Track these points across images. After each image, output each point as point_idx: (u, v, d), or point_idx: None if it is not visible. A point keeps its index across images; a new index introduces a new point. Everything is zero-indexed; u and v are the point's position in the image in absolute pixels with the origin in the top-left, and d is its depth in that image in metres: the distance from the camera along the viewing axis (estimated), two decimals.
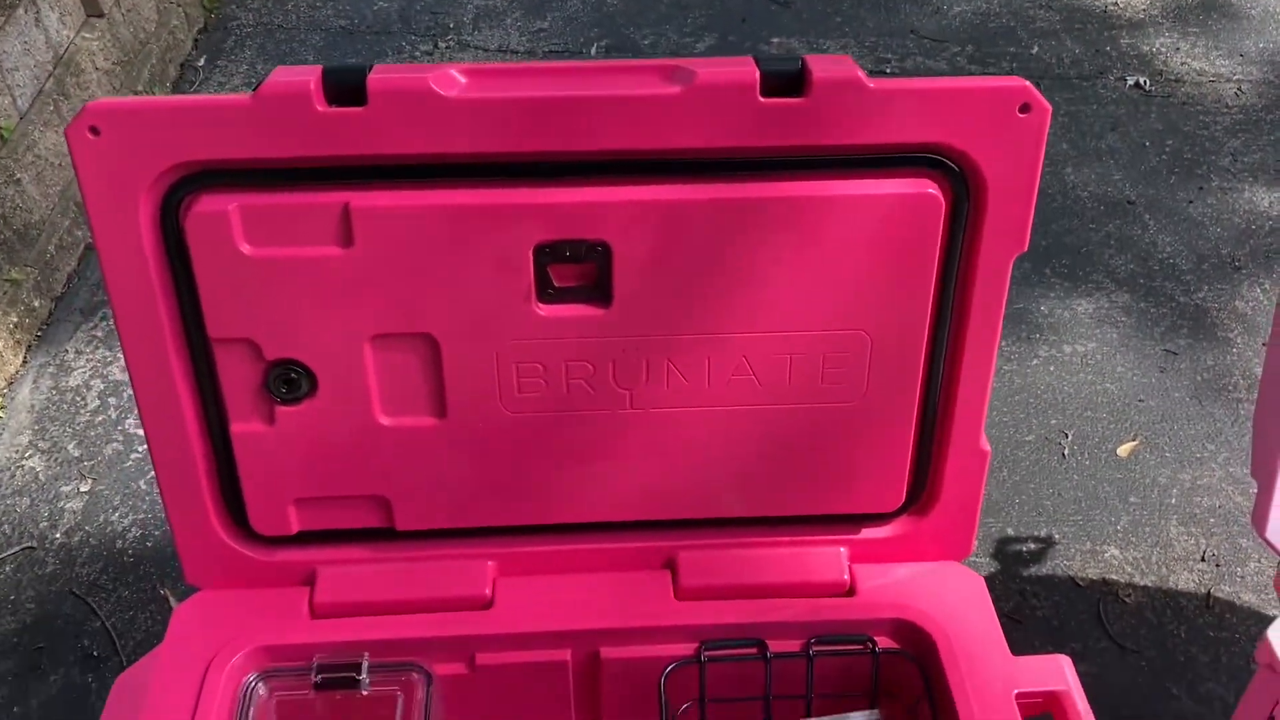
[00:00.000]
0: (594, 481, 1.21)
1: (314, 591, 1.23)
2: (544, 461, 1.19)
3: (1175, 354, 2.33)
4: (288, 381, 1.13)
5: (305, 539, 1.24)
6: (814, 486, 1.23)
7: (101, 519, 2.03)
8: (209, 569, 1.24)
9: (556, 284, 1.09)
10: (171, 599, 1.89)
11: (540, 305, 1.10)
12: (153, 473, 2.04)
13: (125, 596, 1.90)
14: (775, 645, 1.21)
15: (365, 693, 1.17)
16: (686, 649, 1.21)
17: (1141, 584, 1.90)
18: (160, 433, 1.15)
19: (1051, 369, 2.31)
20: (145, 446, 2.12)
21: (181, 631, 1.21)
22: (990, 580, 1.75)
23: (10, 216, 2.37)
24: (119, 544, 1.98)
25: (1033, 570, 1.92)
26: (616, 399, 1.16)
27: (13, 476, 2.11)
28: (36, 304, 2.43)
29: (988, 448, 1.21)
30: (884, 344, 1.14)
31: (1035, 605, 1.87)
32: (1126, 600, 1.88)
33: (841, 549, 1.27)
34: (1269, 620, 1.77)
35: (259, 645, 1.18)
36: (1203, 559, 1.93)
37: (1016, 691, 1.15)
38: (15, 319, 2.33)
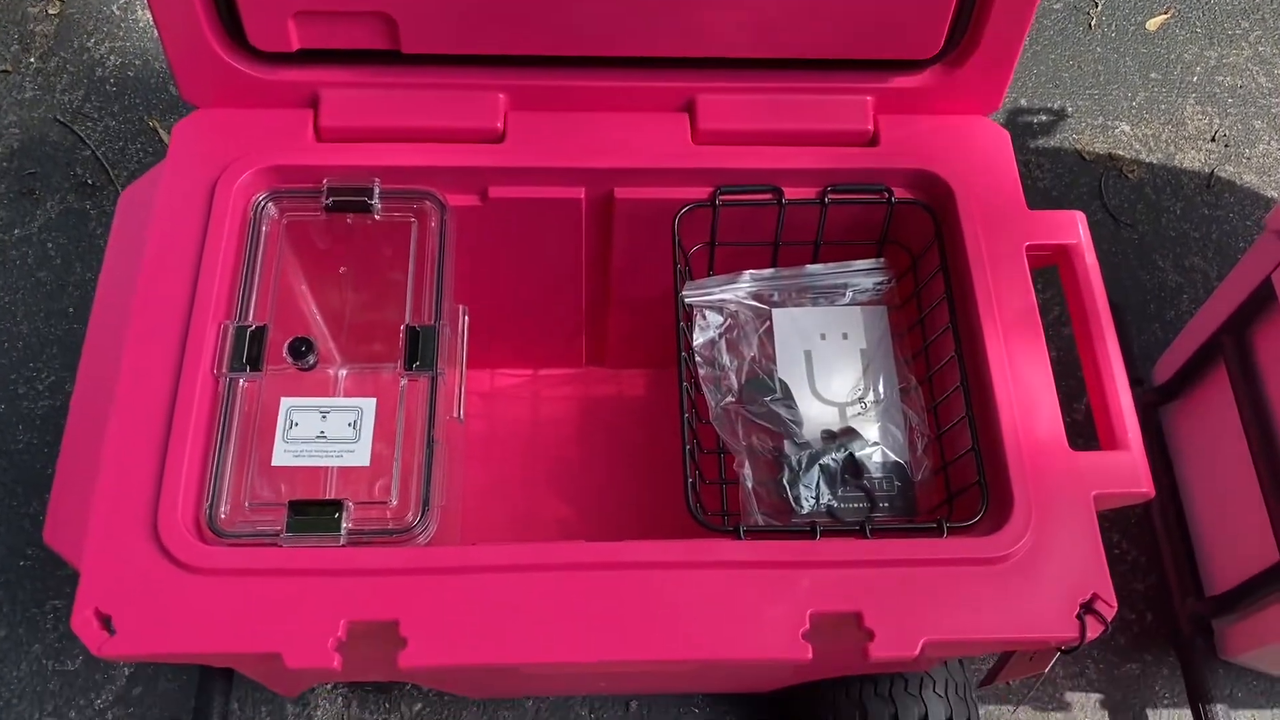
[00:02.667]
0: (614, 6, 1.13)
1: (318, 114, 1.18)
2: None
3: None
4: None
5: (306, 58, 1.17)
6: (843, 22, 1.15)
7: (76, 44, 1.92)
8: (205, 86, 1.18)
9: None
10: (161, 131, 1.84)
11: None
12: None
13: (112, 127, 1.84)
14: (791, 192, 1.20)
15: (378, 218, 1.16)
16: (701, 192, 1.20)
17: (1147, 160, 1.89)
18: None
19: None
20: None
21: (184, 148, 1.17)
22: None
23: None
24: (98, 71, 1.89)
25: (1040, 141, 1.89)
26: None
27: None
28: None
29: None
30: None
31: (1038, 176, 1.86)
32: (1129, 176, 1.87)
33: (868, 98, 1.22)
34: (1267, 201, 1.78)
35: (266, 165, 1.15)
36: (1213, 139, 1.91)
37: (1028, 244, 1.16)
38: None
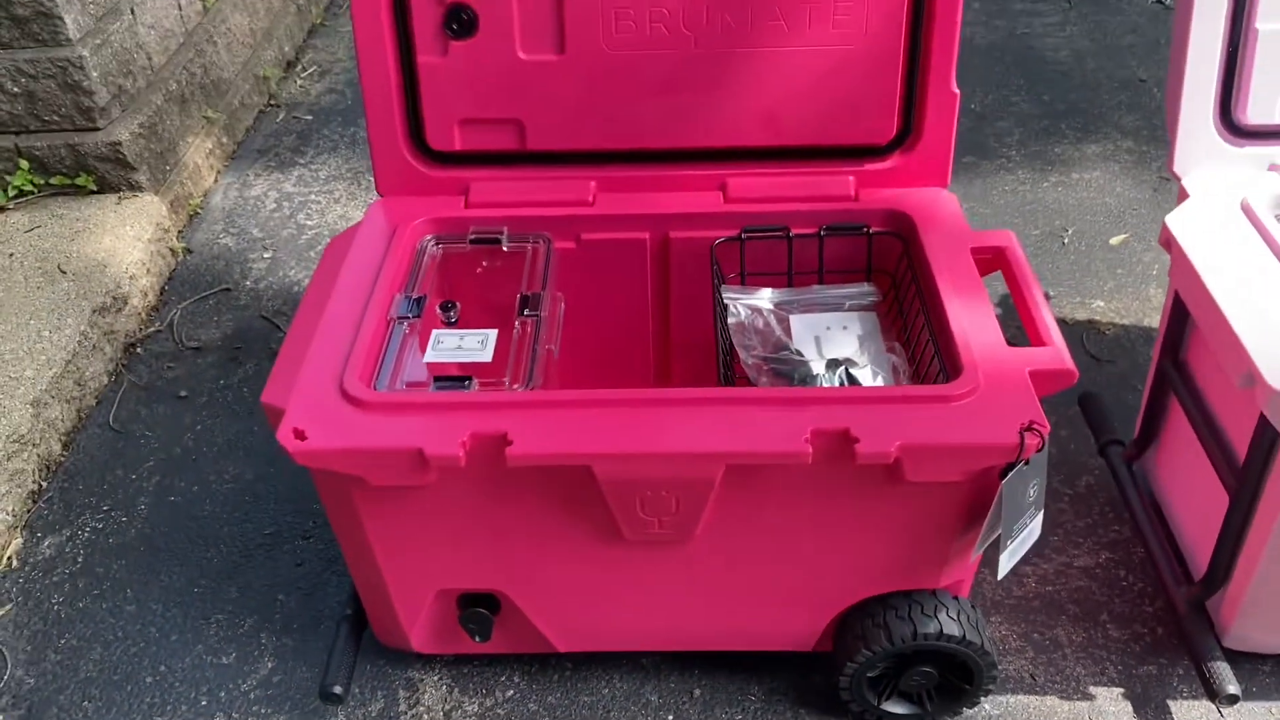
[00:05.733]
0: (669, 111, 1.68)
1: (468, 196, 1.72)
2: (633, 90, 1.67)
3: (1168, 180, 2.72)
4: (459, 21, 1.64)
5: (463, 160, 1.74)
6: (826, 118, 1.68)
7: (281, 273, 2.57)
8: (393, 180, 1.74)
9: None
10: None
11: None
12: (321, 245, 2.58)
13: None
14: (796, 230, 1.67)
15: (505, 249, 1.66)
16: (731, 232, 1.68)
17: (1120, 323, 2.29)
18: (370, 69, 1.66)
19: (1060, 190, 2.72)
20: (314, 229, 2.68)
21: (374, 216, 1.71)
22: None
23: (209, 68, 2.96)
24: (296, 289, 2.51)
25: None
26: (683, 39, 1.64)
27: (210, 249, 2.66)
28: (225, 140, 3.01)
29: (957, 91, 1.66)
30: None
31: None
32: (1106, 333, 2.27)
33: (850, 178, 1.72)
34: None
35: (431, 218, 1.68)
36: None
37: (972, 247, 1.59)
38: (210, 146, 2.91)
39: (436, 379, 1.41)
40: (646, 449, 1.30)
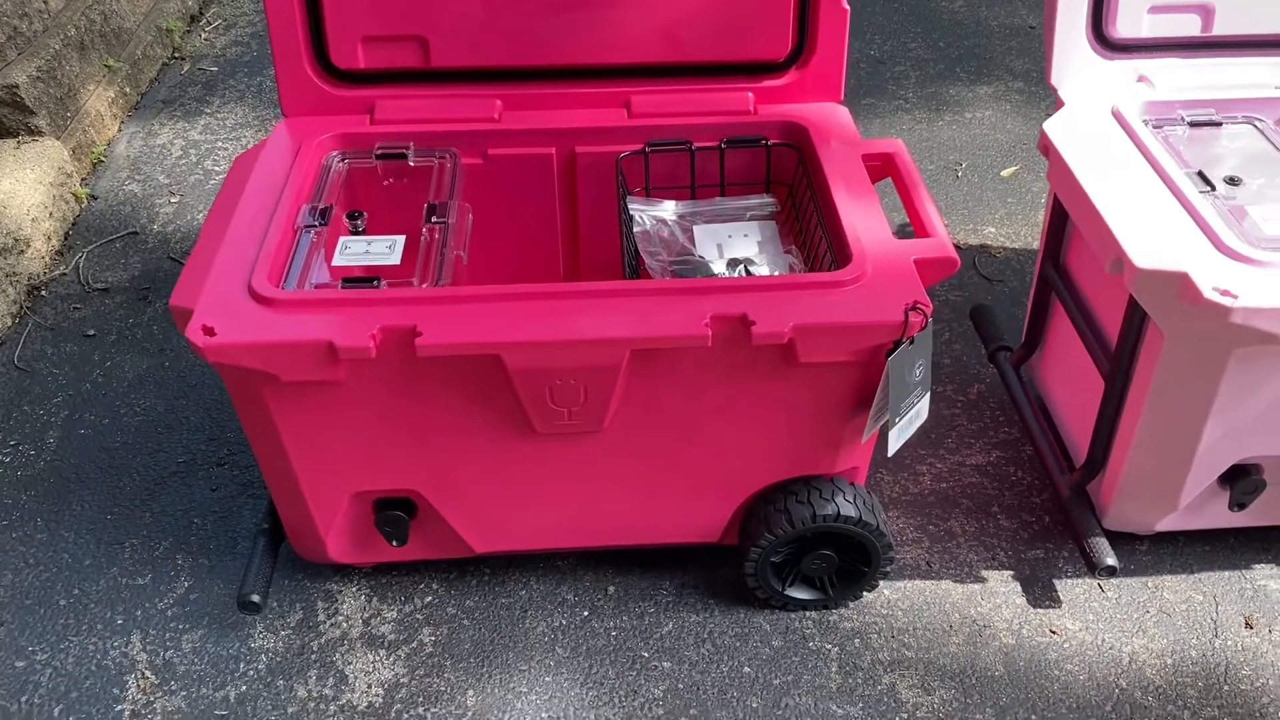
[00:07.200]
0: (571, 27, 1.72)
1: (374, 115, 1.74)
2: (536, 6, 1.69)
3: None
4: None
5: (368, 79, 1.75)
6: (724, 35, 1.74)
7: (189, 217, 2.55)
8: (299, 100, 1.75)
9: None
10: None
11: None
12: None
13: None
14: (698, 144, 1.72)
15: (412, 163, 1.68)
16: (635, 146, 1.72)
17: (1010, 246, 2.40)
18: None
19: (954, 128, 2.83)
20: (221, 174, 2.65)
21: (280, 134, 1.72)
22: None
23: (109, 17, 2.91)
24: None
25: None
26: None
27: (115, 195, 2.63)
28: (128, 90, 2.96)
29: (847, 7, 1.73)
30: None
31: None
32: (997, 255, 2.38)
33: (749, 94, 1.78)
34: None
35: (336, 134, 1.70)
36: None
37: (863, 154, 1.66)
38: (112, 95, 2.87)
39: (344, 280, 1.43)
40: (553, 337, 1.34)
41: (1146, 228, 1.47)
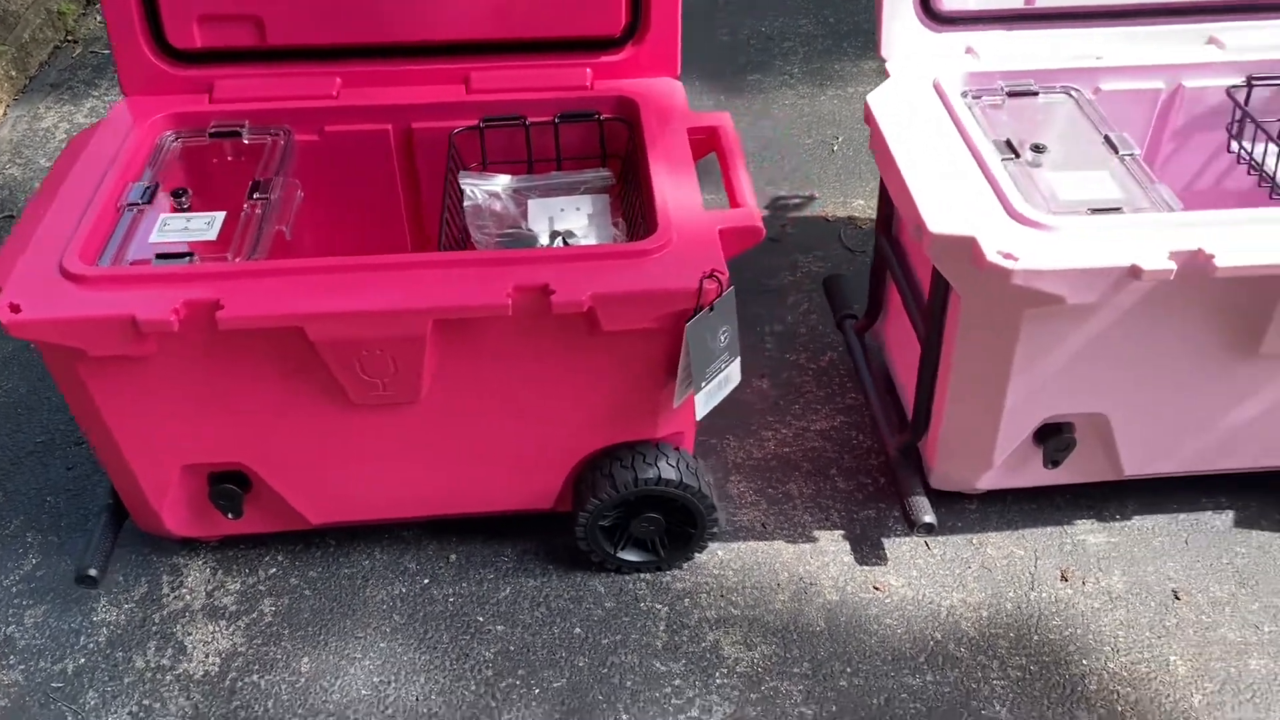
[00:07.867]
0: (409, 4, 1.74)
1: (212, 94, 1.76)
2: None
3: None
4: None
5: (206, 59, 1.77)
6: (559, 10, 1.76)
7: None
8: (137, 80, 1.76)
9: None
10: None
11: None
12: None
13: None
14: (533, 119, 1.75)
15: (246, 141, 1.70)
16: (471, 121, 1.75)
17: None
18: None
19: (836, 102, 2.87)
20: None
21: (117, 114, 1.73)
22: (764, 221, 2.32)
23: None
24: None
25: (795, 214, 2.47)
26: None
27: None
28: (14, 73, 2.95)
29: None
30: None
31: (792, 233, 2.42)
32: (862, 227, 2.43)
33: (587, 69, 1.81)
34: None
35: (170, 113, 1.72)
36: None
37: (688, 127, 1.70)
38: None
39: (158, 256, 1.45)
40: (354, 307, 1.37)
41: (946, 195, 1.51)
